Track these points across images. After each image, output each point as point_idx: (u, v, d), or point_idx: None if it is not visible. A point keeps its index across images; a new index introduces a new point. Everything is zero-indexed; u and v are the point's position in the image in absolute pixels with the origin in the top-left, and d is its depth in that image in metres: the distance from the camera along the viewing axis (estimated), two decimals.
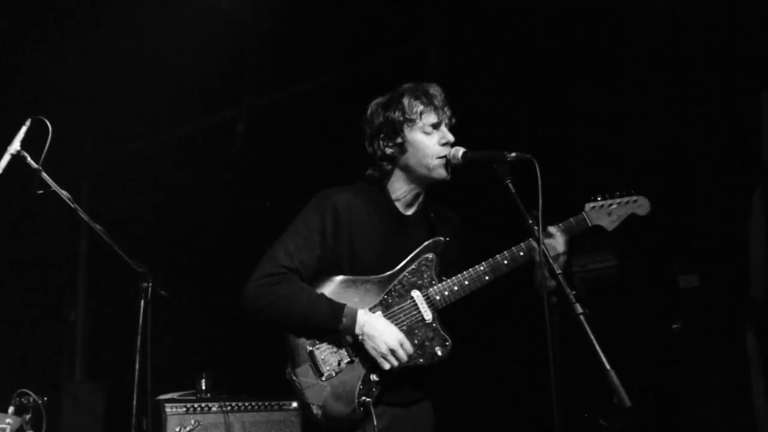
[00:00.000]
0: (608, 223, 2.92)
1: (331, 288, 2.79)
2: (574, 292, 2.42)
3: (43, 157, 3.30)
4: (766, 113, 4.34)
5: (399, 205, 2.95)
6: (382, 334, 2.69)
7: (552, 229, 2.84)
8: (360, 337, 2.71)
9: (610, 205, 2.92)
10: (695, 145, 4.61)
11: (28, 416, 4.36)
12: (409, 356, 2.72)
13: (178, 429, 4.55)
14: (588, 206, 2.93)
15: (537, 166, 2.50)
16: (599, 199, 2.93)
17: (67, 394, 6.59)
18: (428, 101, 2.87)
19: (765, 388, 4.29)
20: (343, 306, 2.72)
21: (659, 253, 4.69)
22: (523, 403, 4.81)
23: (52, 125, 3.31)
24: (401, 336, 2.72)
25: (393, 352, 2.69)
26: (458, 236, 3.03)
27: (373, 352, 2.70)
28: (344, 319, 2.70)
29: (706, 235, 4.53)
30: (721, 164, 4.52)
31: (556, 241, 2.81)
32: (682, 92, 4.67)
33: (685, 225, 4.61)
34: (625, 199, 2.94)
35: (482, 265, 2.83)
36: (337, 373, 2.73)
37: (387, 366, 2.70)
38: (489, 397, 5.06)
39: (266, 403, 4.83)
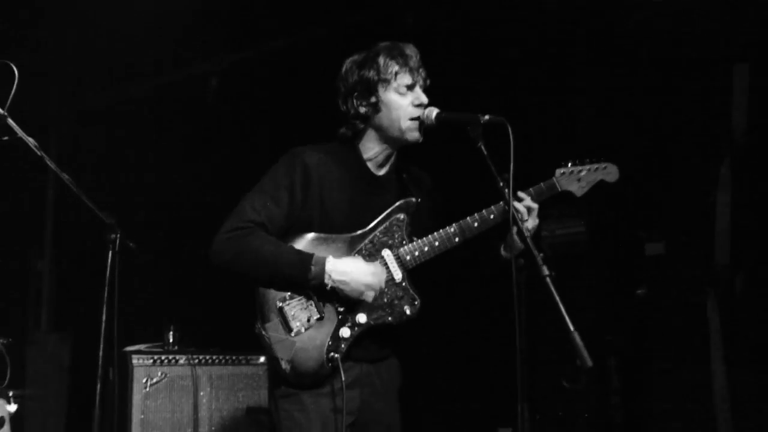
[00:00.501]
0: (577, 188, 2.96)
1: (301, 244, 2.80)
2: (541, 255, 2.44)
3: (8, 102, 3.23)
4: (737, 86, 4.38)
5: (371, 165, 2.94)
6: (355, 276, 2.72)
7: (522, 194, 2.86)
8: (330, 286, 2.72)
9: (580, 171, 2.95)
10: (665, 115, 4.65)
11: None
12: (378, 306, 2.76)
13: (144, 380, 4.56)
14: (558, 172, 2.95)
15: (510, 129, 2.50)
16: (569, 165, 2.96)
17: (31, 343, 6.56)
18: (404, 62, 2.85)
19: (723, 356, 4.39)
20: (311, 255, 2.73)
21: (626, 221, 4.75)
22: (488, 363, 4.88)
23: (19, 71, 3.24)
24: (371, 267, 2.76)
25: (370, 286, 2.73)
26: (430, 198, 3.04)
27: (353, 295, 2.73)
28: (313, 268, 2.71)
29: (673, 203, 4.60)
30: (690, 134, 4.57)
31: (526, 205, 2.84)
32: (654, 64, 4.69)
33: (652, 193, 4.67)
34: (595, 165, 2.97)
35: (452, 227, 2.85)
36: (306, 329, 2.75)
37: (371, 298, 2.74)
38: (455, 358, 5.13)
39: (234, 357, 4.86)
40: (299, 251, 2.76)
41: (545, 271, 2.37)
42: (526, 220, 2.81)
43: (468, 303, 4.85)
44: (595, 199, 3.08)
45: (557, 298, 2.32)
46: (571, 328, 2.29)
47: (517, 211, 2.77)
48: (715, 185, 4.44)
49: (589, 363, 2.28)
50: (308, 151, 2.88)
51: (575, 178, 2.95)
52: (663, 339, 4.61)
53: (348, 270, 2.73)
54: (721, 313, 4.41)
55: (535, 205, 2.85)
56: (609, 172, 2.98)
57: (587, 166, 2.96)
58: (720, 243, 4.41)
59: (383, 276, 2.79)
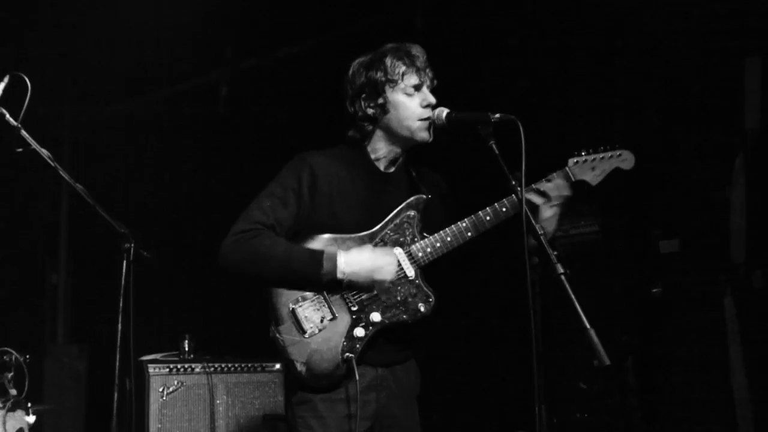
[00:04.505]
0: (592, 177, 2.89)
1: (312, 245, 2.79)
2: (555, 253, 2.43)
3: (22, 114, 3.25)
4: (749, 80, 4.34)
5: (379, 164, 2.94)
6: (363, 264, 2.71)
7: (536, 185, 2.84)
8: (345, 281, 2.71)
9: (593, 159, 2.89)
10: (676, 111, 4.63)
11: (10, 375, 4.37)
12: (390, 304, 2.75)
13: (161, 389, 4.57)
14: (571, 161, 2.89)
15: (521, 127, 2.49)
16: (582, 153, 2.90)
17: (49, 355, 6.59)
18: (410, 62, 2.85)
19: (742, 353, 4.35)
20: (322, 251, 2.72)
21: (640, 218, 4.72)
22: (505, 364, 4.86)
23: (32, 82, 3.26)
24: (378, 253, 2.75)
25: (381, 270, 2.72)
26: (440, 195, 3.04)
27: (367, 283, 2.72)
28: (325, 263, 2.69)
29: (687, 200, 4.57)
30: (703, 130, 4.54)
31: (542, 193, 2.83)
32: (665, 58, 4.66)
33: (666, 190, 4.64)
34: (609, 153, 2.89)
35: (465, 221, 2.83)
36: (320, 330, 2.74)
37: (385, 284, 2.73)
38: (471, 359, 5.10)
39: (249, 365, 4.86)
40: (310, 249, 2.75)
41: (560, 269, 2.36)
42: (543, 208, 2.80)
43: (482, 302, 4.83)
44: (608, 198, 3.04)
45: (572, 296, 2.31)
46: (587, 325, 2.28)
47: (533, 201, 2.78)
48: (728, 181, 4.41)
49: (607, 361, 2.26)
50: (314, 154, 2.90)
51: (589, 167, 2.88)
52: (680, 338, 4.57)
53: (358, 260, 2.71)
54: (739, 310, 4.37)
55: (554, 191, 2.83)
56: (624, 159, 2.90)
57: (601, 154, 2.89)
58: (735, 239, 4.37)
59: (394, 261, 2.76)
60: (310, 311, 2.76)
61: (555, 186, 2.84)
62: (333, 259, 2.70)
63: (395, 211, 2.87)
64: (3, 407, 4.29)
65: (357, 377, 2.70)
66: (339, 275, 2.70)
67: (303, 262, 2.71)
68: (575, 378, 4.61)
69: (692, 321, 4.52)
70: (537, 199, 2.83)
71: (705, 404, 4.46)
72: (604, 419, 4.72)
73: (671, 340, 4.59)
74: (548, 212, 2.84)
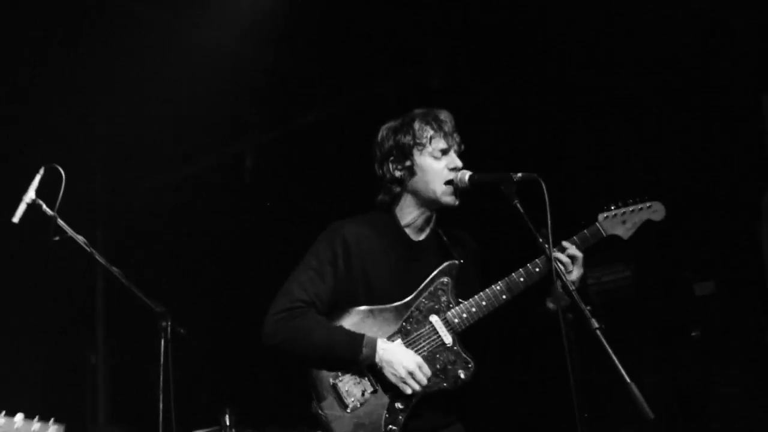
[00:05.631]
0: (624, 231, 2.90)
1: (349, 320, 2.82)
2: (589, 308, 2.42)
3: (57, 204, 3.34)
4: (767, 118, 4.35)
5: (410, 231, 2.98)
6: (400, 358, 2.71)
7: (566, 243, 2.84)
8: (379, 365, 2.72)
9: (623, 213, 2.90)
10: (701, 151, 4.62)
11: None
12: (429, 379, 2.73)
13: None
14: (601, 216, 2.91)
15: (543, 185, 2.52)
16: (612, 208, 2.91)
17: None
18: (438, 127, 2.91)
19: None
20: (362, 336, 2.75)
21: (673, 262, 4.68)
22: (551, 418, 4.79)
23: (64, 169, 3.35)
24: (418, 359, 2.74)
25: (412, 374, 2.71)
26: (473, 257, 3.06)
27: (393, 378, 2.72)
28: (364, 349, 2.72)
29: (718, 240, 4.53)
30: (728, 169, 4.53)
31: (570, 254, 2.81)
32: (687, 101, 4.68)
33: (696, 232, 4.61)
34: (639, 205, 2.92)
35: (498, 285, 2.85)
36: (362, 404, 2.75)
37: (408, 390, 2.71)
38: (518, 417, 5.03)
39: None
40: (349, 332, 2.77)
41: (594, 324, 2.35)
42: (571, 270, 2.79)
43: (521, 362, 4.78)
44: (638, 243, 3.02)
45: (609, 351, 2.30)
46: (627, 379, 2.27)
47: (562, 262, 2.75)
48: (758, 217, 4.38)
49: (651, 415, 2.24)
50: (347, 224, 2.94)
51: (620, 221, 2.89)
52: (725, 379, 4.49)
53: (397, 353, 2.72)
54: None
55: (579, 254, 2.81)
56: (655, 211, 2.92)
57: (631, 207, 2.91)
58: None
59: (428, 372, 2.74)
60: (350, 385, 2.76)
61: (568, 254, 2.82)
62: (373, 346, 2.73)
63: (428, 279, 2.89)
64: None
65: None
66: (377, 360, 2.72)
67: (343, 348, 2.74)
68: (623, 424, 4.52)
69: (736, 360, 4.45)
70: (565, 259, 2.82)
71: None
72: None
73: (716, 382, 4.51)
74: (576, 273, 2.82)
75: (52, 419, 3.19)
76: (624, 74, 4.80)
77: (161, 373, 3.25)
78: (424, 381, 2.72)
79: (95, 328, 7.32)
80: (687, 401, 4.53)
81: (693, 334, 4.53)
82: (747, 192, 4.40)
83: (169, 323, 3.36)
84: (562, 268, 2.67)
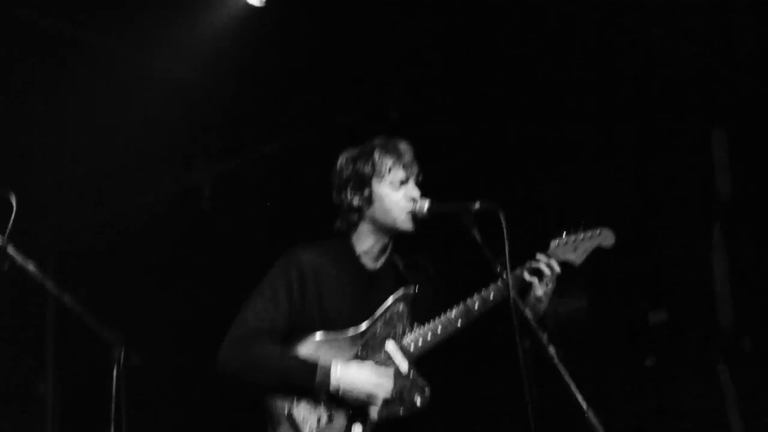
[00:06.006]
0: (575, 257, 2.94)
1: (305, 347, 2.81)
2: (546, 334, 2.45)
3: (7, 232, 3.27)
4: (716, 152, 4.46)
5: (366, 258, 2.98)
6: (358, 383, 2.71)
7: (540, 256, 2.87)
8: (339, 392, 2.71)
9: (574, 240, 2.95)
10: (651, 182, 4.71)
11: None
12: (385, 404, 2.73)
13: None
14: (553, 243, 2.95)
15: (502, 215, 2.54)
16: (564, 235, 2.96)
17: None
18: (398, 157, 2.94)
19: (740, 416, 4.33)
20: (315, 363, 2.74)
21: (627, 291, 4.74)
22: None
23: (16, 194, 3.28)
24: (374, 379, 2.74)
25: (377, 386, 2.71)
26: (430, 281, 3.07)
27: (357, 404, 2.72)
28: (318, 377, 2.71)
29: (671, 269, 4.61)
30: (680, 201, 4.62)
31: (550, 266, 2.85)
32: (639, 132, 4.78)
33: (649, 261, 4.68)
34: (589, 233, 2.96)
35: (454, 310, 2.85)
36: (318, 431, 2.73)
37: (375, 412, 2.72)
38: None
39: None
40: (303, 361, 2.77)
41: (552, 351, 2.37)
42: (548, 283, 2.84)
43: (477, 385, 4.79)
44: (594, 274, 3.08)
45: (567, 378, 2.32)
46: (585, 407, 2.29)
47: (542, 273, 2.82)
48: (710, 248, 4.47)
49: None
50: (302, 251, 2.94)
51: (571, 248, 2.94)
52: (677, 406, 4.54)
53: (356, 376, 2.73)
54: (732, 375, 4.37)
55: (556, 267, 2.86)
56: (605, 237, 2.97)
57: (581, 234, 2.96)
58: (721, 305, 4.40)
59: (389, 385, 2.76)
60: (306, 412, 2.75)
61: (546, 263, 2.87)
62: (326, 373, 2.72)
63: (384, 307, 2.89)
64: None
65: None
66: (332, 388, 2.71)
67: (297, 375, 2.74)
68: None
69: (688, 391, 4.51)
70: (529, 278, 2.85)
71: None
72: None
73: (669, 411, 4.57)
74: (539, 291, 2.86)
75: None
76: (581, 109, 4.87)
77: (113, 403, 3.18)
78: (385, 395, 2.72)
79: (44, 355, 7.15)
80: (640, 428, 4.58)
81: (647, 362, 4.59)
82: (698, 223, 4.52)
83: (123, 351, 3.29)
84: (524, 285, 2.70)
